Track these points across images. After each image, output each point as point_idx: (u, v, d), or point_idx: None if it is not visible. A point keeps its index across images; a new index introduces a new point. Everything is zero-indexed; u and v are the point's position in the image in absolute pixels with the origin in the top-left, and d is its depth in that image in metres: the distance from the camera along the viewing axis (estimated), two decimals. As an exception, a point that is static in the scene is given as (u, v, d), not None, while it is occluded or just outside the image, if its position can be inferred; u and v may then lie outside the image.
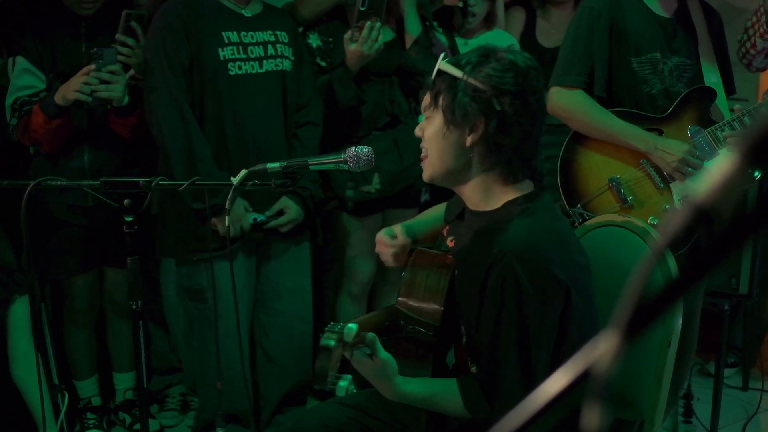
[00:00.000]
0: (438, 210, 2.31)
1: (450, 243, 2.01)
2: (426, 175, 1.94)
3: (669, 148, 2.74)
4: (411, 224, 2.24)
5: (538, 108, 1.83)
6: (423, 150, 1.94)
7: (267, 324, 3.19)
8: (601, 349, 0.56)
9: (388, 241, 2.15)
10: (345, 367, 1.71)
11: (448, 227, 2.09)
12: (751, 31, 3.12)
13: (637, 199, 2.79)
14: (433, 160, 1.90)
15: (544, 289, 1.73)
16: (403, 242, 2.14)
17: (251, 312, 3.14)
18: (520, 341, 1.73)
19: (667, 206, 2.78)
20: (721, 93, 2.91)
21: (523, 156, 1.84)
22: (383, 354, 1.72)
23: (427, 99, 1.90)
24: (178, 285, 3.08)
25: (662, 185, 2.80)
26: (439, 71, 1.84)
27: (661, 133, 2.81)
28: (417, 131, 1.95)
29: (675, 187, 2.79)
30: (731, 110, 2.93)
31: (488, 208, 1.88)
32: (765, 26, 3.42)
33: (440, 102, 1.84)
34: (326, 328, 1.65)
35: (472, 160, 1.85)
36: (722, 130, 2.81)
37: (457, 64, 1.82)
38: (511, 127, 1.79)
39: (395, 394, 1.78)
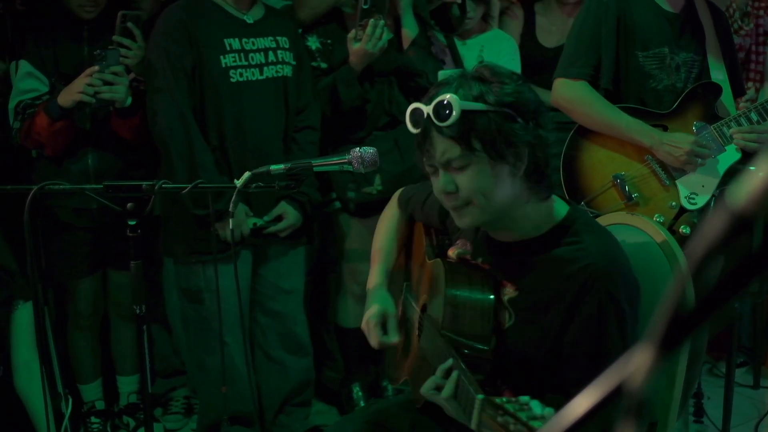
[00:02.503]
0: (390, 224, 2.26)
1: (485, 266, 1.88)
2: (471, 223, 1.78)
3: (676, 142, 2.71)
4: (385, 272, 2.19)
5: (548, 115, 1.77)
6: (457, 206, 1.75)
7: (265, 324, 3.20)
8: (634, 365, 0.53)
9: (381, 338, 2.05)
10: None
11: (462, 247, 1.95)
12: None
13: (642, 196, 2.76)
14: (483, 207, 1.72)
15: (635, 302, 1.72)
16: (394, 341, 2.07)
17: (248, 314, 3.13)
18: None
19: (673, 203, 2.75)
20: (727, 89, 2.88)
21: (548, 171, 1.76)
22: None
23: (452, 149, 1.68)
24: (175, 285, 3.07)
25: (668, 182, 2.77)
26: (462, 114, 1.65)
27: (665, 129, 2.79)
28: (446, 188, 1.73)
29: (681, 184, 2.76)
30: (737, 104, 2.91)
31: (534, 234, 1.78)
32: (738, 23, 3.42)
33: (477, 144, 1.66)
34: (505, 406, 1.38)
35: (521, 189, 1.73)
36: (728, 127, 2.78)
37: (473, 98, 1.67)
38: (547, 141, 1.71)
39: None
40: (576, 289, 1.69)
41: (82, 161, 3.08)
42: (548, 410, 1.34)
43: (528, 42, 3.67)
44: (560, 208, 1.82)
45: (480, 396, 1.44)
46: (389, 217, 2.30)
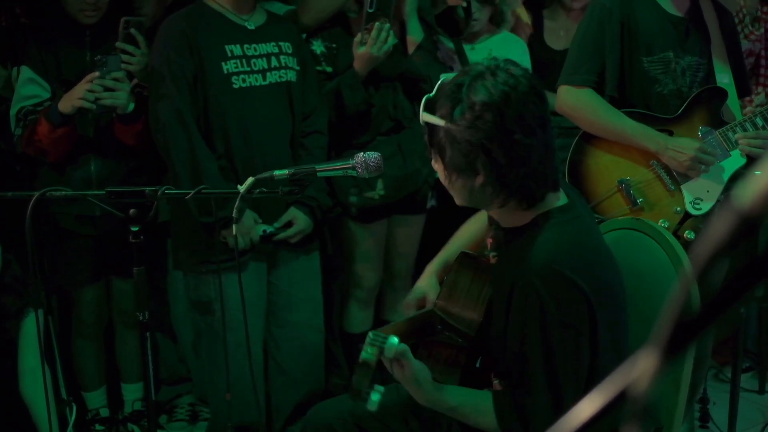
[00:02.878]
0: (476, 219, 2.28)
1: (492, 260, 1.98)
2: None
3: (680, 147, 2.70)
4: (435, 270, 2.23)
5: (536, 124, 1.72)
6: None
7: (278, 336, 3.16)
8: (639, 369, 0.53)
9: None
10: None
11: (491, 240, 2.03)
12: None
13: (647, 201, 2.75)
14: (455, 195, 1.86)
15: (565, 306, 1.70)
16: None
17: (265, 323, 3.11)
18: (546, 360, 1.71)
19: (678, 208, 2.74)
20: (732, 93, 2.86)
21: (536, 176, 1.75)
22: (416, 362, 1.72)
23: (428, 144, 1.85)
24: (186, 297, 3.05)
25: (673, 187, 2.76)
26: (425, 122, 1.79)
27: (671, 134, 2.77)
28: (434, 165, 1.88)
29: (686, 189, 2.75)
30: (742, 110, 2.89)
31: (517, 224, 1.85)
32: (749, 27, 3.41)
33: (436, 152, 1.80)
34: (368, 341, 1.62)
35: (486, 196, 1.79)
36: (734, 131, 2.76)
37: (438, 113, 1.76)
38: (511, 163, 1.71)
39: (428, 400, 1.78)
40: (512, 282, 1.75)
41: (84, 168, 3.07)
42: (391, 339, 1.60)
43: (536, 44, 3.68)
44: (560, 207, 1.83)
45: (371, 333, 1.65)
46: (474, 217, 2.32)
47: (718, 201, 2.74)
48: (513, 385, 1.80)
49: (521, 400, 1.75)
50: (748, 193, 0.49)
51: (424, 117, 1.78)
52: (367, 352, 1.59)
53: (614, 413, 0.56)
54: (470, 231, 2.29)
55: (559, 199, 1.84)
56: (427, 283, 2.17)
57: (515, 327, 1.75)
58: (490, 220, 2.11)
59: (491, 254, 1.97)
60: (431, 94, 1.80)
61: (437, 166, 1.84)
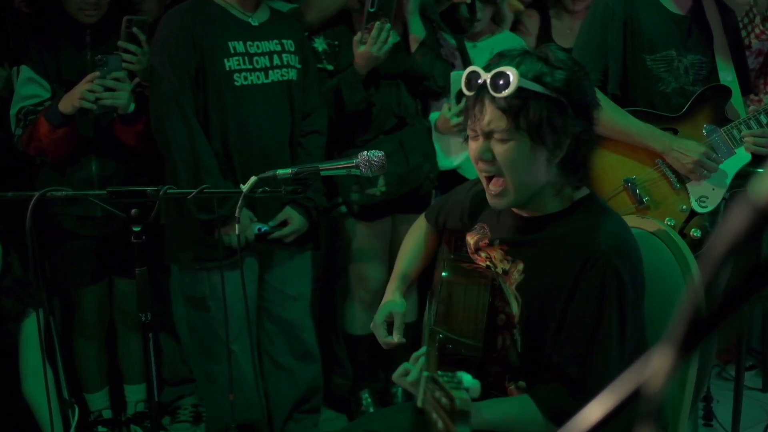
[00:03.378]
0: (416, 236, 2.26)
1: (500, 247, 1.90)
2: (505, 203, 1.80)
3: (685, 149, 2.69)
4: (404, 277, 2.19)
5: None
6: (490, 174, 1.78)
7: (272, 331, 3.18)
8: (653, 368, 0.52)
9: (384, 338, 2.07)
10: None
11: (479, 234, 1.97)
12: (744, 32, 3.08)
13: (653, 199, 2.75)
14: (515, 186, 1.75)
15: (639, 289, 1.73)
16: (397, 342, 2.06)
17: (255, 320, 3.11)
18: (620, 341, 1.70)
19: (684, 206, 2.73)
20: (736, 91, 2.86)
21: (589, 160, 1.79)
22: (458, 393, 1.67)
23: (499, 120, 1.70)
24: (180, 292, 3.05)
25: (678, 186, 2.75)
26: (519, 89, 1.67)
27: (676, 132, 2.77)
28: (479, 155, 1.76)
29: (691, 187, 2.74)
30: (746, 107, 2.88)
31: (548, 211, 1.81)
32: (761, 27, 3.40)
33: (523, 123, 1.68)
34: (449, 386, 1.44)
35: (552, 177, 1.76)
36: (738, 129, 2.76)
37: (532, 77, 1.68)
38: (591, 134, 1.74)
39: (473, 424, 1.72)
40: (582, 262, 1.71)
41: (85, 168, 3.07)
42: (475, 382, 1.43)
43: (545, 42, 3.68)
44: (592, 194, 1.86)
45: (426, 373, 1.51)
46: (415, 227, 2.30)
47: (723, 199, 2.74)
48: (577, 365, 1.72)
49: (590, 377, 1.70)
50: (764, 188, 0.48)
51: (523, 83, 1.66)
52: (463, 393, 1.42)
53: (628, 412, 0.55)
54: (415, 243, 2.26)
55: (582, 187, 1.86)
56: (391, 299, 2.13)
57: (587, 307, 1.70)
58: (437, 224, 2.15)
59: (497, 243, 1.90)
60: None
61: (509, 144, 1.71)
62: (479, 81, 1.73)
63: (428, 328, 1.87)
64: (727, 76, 2.85)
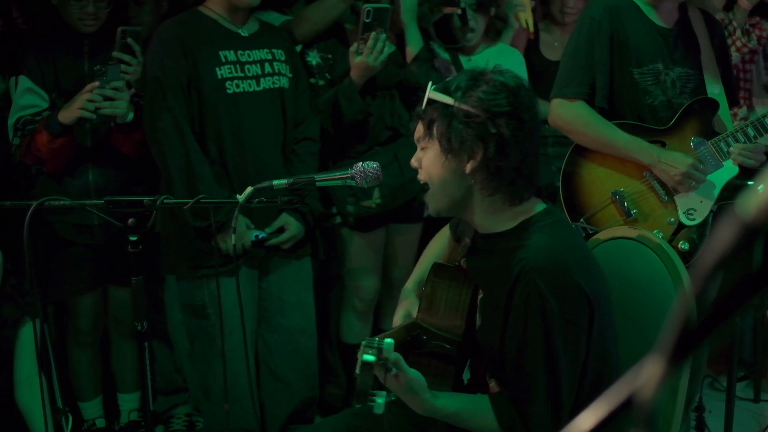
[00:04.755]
0: (440, 240, 2.31)
1: (464, 264, 1.98)
2: (431, 209, 1.92)
3: (673, 161, 2.71)
4: (412, 288, 2.23)
5: (534, 125, 1.82)
6: (421, 180, 1.92)
7: (271, 341, 3.18)
8: (644, 376, 0.54)
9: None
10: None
11: (463, 245, 2.05)
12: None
13: (641, 212, 2.77)
14: (435, 192, 1.88)
15: (568, 304, 1.73)
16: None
17: (255, 329, 3.11)
18: (547, 359, 1.73)
19: (671, 219, 2.75)
20: (723, 104, 2.88)
21: (524, 175, 1.82)
22: (411, 371, 1.71)
23: (420, 129, 1.87)
24: (179, 301, 3.06)
25: (666, 198, 2.77)
26: (430, 100, 1.82)
27: (663, 145, 2.78)
28: (413, 162, 1.93)
29: (679, 200, 2.76)
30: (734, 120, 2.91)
31: (501, 229, 1.86)
32: (741, 40, 3.44)
33: (434, 131, 1.82)
34: (364, 343, 1.63)
35: (474, 186, 1.82)
36: (726, 142, 2.78)
37: (446, 91, 1.80)
38: (510, 149, 1.77)
39: (426, 409, 1.77)
40: (511, 283, 1.75)
41: (82, 177, 3.08)
42: (386, 341, 1.59)
43: (532, 54, 3.71)
44: (544, 211, 1.87)
45: (363, 342, 1.64)
46: (439, 235, 2.35)
47: (711, 211, 2.75)
48: (510, 384, 1.80)
49: (521, 399, 1.76)
50: (752, 203, 0.50)
51: (432, 95, 1.81)
52: (368, 354, 1.59)
53: (619, 421, 0.57)
54: (436, 250, 2.30)
55: (539, 203, 1.88)
56: (409, 305, 2.16)
57: (515, 327, 1.75)
58: (455, 235, 2.18)
59: (462, 260, 1.98)
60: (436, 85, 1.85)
61: (428, 151, 1.85)
62: None
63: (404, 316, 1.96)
64: (714, 88, 2.88)
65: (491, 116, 1.75)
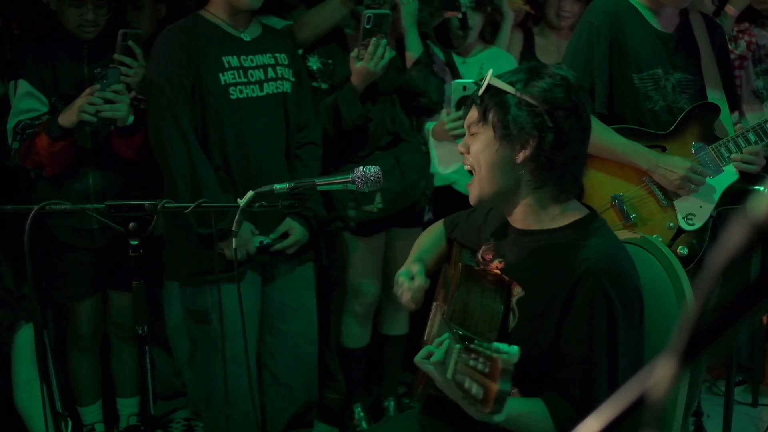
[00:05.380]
0: (434, 233, 2.32)
1: (498, 264, 1.95)
2: (474, 195, 1.91)
3: (671, 165, 2.72)
4: (422, 257, 2.22)
5: (588, 124, 1.84)
6: (467, 166, 1.91)
7: (273, 345, 3.17)
8: (656, 376, 0.54)
9: (408, 284, 2.11)
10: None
11: (487, 247, 2.02)
12: None
13: (640, 216, 2.77)
14: (481, 179, 1.86)
15: (630, 307, 1.75)
16: (421, 285, 2.11)
17: (258, 334, 3.11)
18: (609, 360, 1.73)
19: (671, 224, 2.76)
20: (724, 108, 2.89)
21: (573, 172, 1.84)
22: None
23: (474, 114, 1.86)
24: (182, 306, 3.06)
25: (666, 203, 2.77)
26: (489, 86, 1.82)
27: (664, 149, 2.79)
28: (460, 147, 1.92)
29: (679, 204, 2.77)
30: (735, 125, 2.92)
31: (545, 227, 1.86)
32: (729, 47, 3.46)
33: (491, 117, 1.81)
34: (476, 348, 1.49)
35: (522, 178, 1.83)
36: (727, 147, 2.78)
37: (507, 81, 1.81)
38: (565, 143, 1.78)
39: (482, 415, 1.73)
40: (572, 283, 1.74)
41: (82, 181, 3.08)
42: (514, 348, 1.42)
43: (528, 60, 3.72)
44: (580, 211, 1.88)
45: (458, 345, 1.53)
46: (432, 227, 2.36)
47: (711, 216, 2.76)
48: (567, 384, 1.76)
49: (585, 401, 1.73)
50: (762, 205, 0.50)
51: (493, 81, 1.81)
52: (506, 355, 1.43)
53: (630, 421, 0.57)
54: (431, 239, 2.31)
55: (582, 206, 1.90)
56: (413, 262, 2.18)
57: (578, 327, 1.74)
58: (451, 234, 2.18)
59: (497, 260, 1.95)
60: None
61: (478, 137, 1.84)
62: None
63: (441, 323, 1.89)
64: (715, 93, 2.88)
65: (551, 108, 1.76)
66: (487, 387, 1.43)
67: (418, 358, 1.76)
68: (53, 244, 3.13)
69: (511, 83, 1.80)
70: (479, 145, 1.84)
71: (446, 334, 1.70)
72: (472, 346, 1.49)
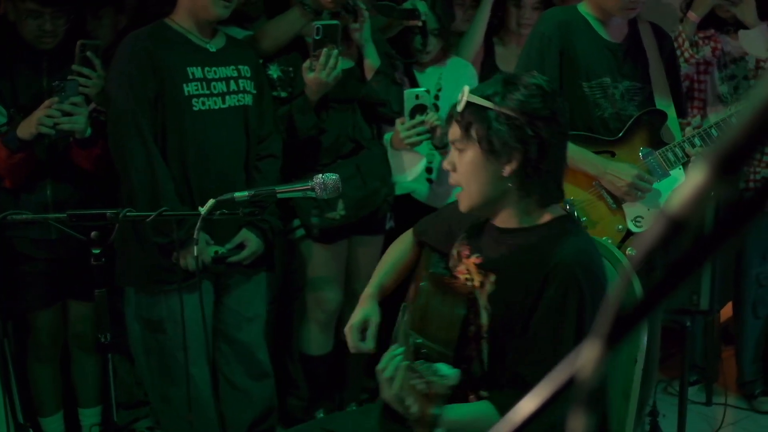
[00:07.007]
0: (400, 247, 2.36)
1: (476, 260, 2.00)
2: (464, 207, 1.96)
3: (618, 172, 2.80)
4: (381, 282, 2.28)
5: (567, 128, 1.90)
6: (454, 183, 1.96)
7: (228, 353, 3.19)
8: (584, 358, 0.59)
9: (357, 345, 2.18)
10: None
11: (462, 244, 2.07)
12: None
13: (590, 220, 2.85)
14: (471, 193, 1.92)
15: (600, 300, 1.80)
16: (369, 350, 2.18)
17: (211, 341, 3.13)
18: (575, 346, 1.76)
19: (620, 226, 2.84)
20: (672, 115, 2.98)
21: (556, 178, 1.90)
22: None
23: (456, 131, 1.90)
24: (136, 315, 3.05)
25: (614, 206, 2.86)
26: (468, 103, 1.86)
27: (613, 155, 2.87)
28: (446, 165, 1.96)
29: (627, 208, 2.86)
30: (682, 131, 3.01)
31: (526, 225, 1.93)
32: (689, 51, 3.56)
33: (473, 133, 1.85)
34: (427, 373, 1.59)
35: (510, 189, 1.88)
36: (673, 152, 2.89)
37: (484, 95, 1.85)
38: (548, 150, 1.83)
39: (440, 422, 1.76)
40: (545, 274, 1.80)
41: (40, 193, 3.06)
42: (453, 371, 1.55)
43: (489, 69, 3.78)
44: (558, 213, 1.95)
45: (405, 362, 1.62)
46: (399, 240, 2.39)
47: (658, 218, 2.84)
48: (537, 372, 1.81)
49: (537, 380, 1.77)
50: (676, 199, 0.55)
51: (471, 98, 1.85)
52: (442, 380, 1.55)
53: (559, 405, 0.62)
54: (397, 255, 2.36)
55: (557, 206, 1.96)
56: (369, 307, 2.22)
57: (549, 318, 1.80)
58: (419, 240, 2.25)
59: (474, 256, 2.00)
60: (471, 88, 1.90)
61: (465, 153, 1.88)
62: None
63: (402, 331, 1.93)
64: (663, 100, 2.97)
65: (530, 119, 1.81)
66: (423, 409, 1.54)
67: (378, 368, 1.82)
68: (12, 255, 3.11)
69: (487, 97, 1.84)
70: (465, 162, 1.89)
71: (400, 349, 1.76)
72: (416, 365, 1.57)
